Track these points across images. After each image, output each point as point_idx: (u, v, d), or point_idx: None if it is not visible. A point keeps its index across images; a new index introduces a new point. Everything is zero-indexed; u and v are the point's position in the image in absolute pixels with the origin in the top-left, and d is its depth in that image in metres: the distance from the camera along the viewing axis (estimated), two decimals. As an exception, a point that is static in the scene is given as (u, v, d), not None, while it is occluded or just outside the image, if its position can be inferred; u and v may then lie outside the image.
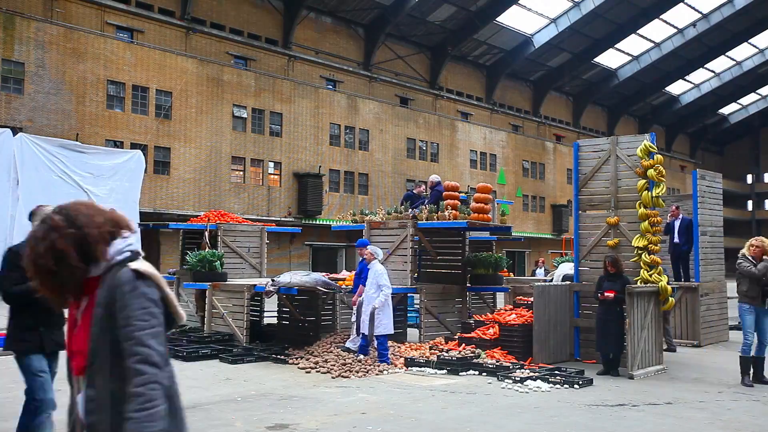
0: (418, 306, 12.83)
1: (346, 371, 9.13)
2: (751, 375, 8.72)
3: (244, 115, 31.09)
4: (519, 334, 10.23)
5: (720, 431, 6.47)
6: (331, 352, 10.28)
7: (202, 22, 32.63)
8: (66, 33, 25.94)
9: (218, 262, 12.33)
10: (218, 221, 13.86)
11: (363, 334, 10.07)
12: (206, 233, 13.33)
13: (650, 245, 10.00)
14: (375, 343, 9.98)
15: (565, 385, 8.35)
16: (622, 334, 9.38)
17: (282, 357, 10.18)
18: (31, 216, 5.48)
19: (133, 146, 27.04)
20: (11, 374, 8.99)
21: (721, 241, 13.99)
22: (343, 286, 11.60)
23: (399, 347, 10.85)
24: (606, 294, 9.41)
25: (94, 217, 2.28)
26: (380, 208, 14.15)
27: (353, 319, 10.68)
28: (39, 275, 2.19)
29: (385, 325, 9.86)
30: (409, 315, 13.25)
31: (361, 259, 10.69)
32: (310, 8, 36.21)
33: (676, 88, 57.05)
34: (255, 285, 11.68)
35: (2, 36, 24.23)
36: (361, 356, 9.91)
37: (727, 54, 52.63)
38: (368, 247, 10.41)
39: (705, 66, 53.58)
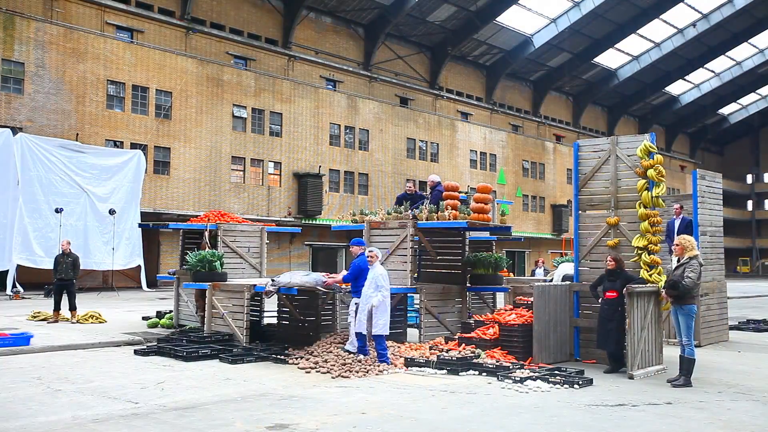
0: (418, 306, 12.82)
1: (346, 371, 9.13)
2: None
3: (244, 115, 31.09)
4: (519, 334, 10.23)
5: (720, 431, 6.47)
6: (331, 352, 10.27)
7: (202, 22, 32.64)
8: (66, 33, 25.94)
9: (218, 262, 12.32)
10: (218, 221, 13.85)
11: (359, 333, 10.06)
12: (206, 233, 13.32)
13: (650, 245, 10.00)
14: (374, 344, 9.98)
15: (565, 385, 8.35)
16: (623, 333, 9.42)
17: (282, 357, 10.17)
18: None
19: (133, 146, 27.05)
20: (11, 374, 8.99)
21: (721, 241, 13.99)
22: (343, 287, 11.60)
23: (399, 347, 10.85)
24: (608, 294, 9.48)
25: None
26: (380, 208, 14.16)
27: (349, 320, 10.69)
28: None
29: (382, 326, 9.87)
30: (409, 315, 13.24)
31: (356, 257, 10.70)
32: (310, 8, 36.23)
33: (676, 88, 57.06)
34: (255, 285, 11.68)
35: (2, 36, 24.23)
36: (361, 356, 9.91)
37: (727, 54, 52.66)
38: (372, 249, 10.43)
39: (705, 66, 53.61)
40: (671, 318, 9.15)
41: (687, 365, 8.67)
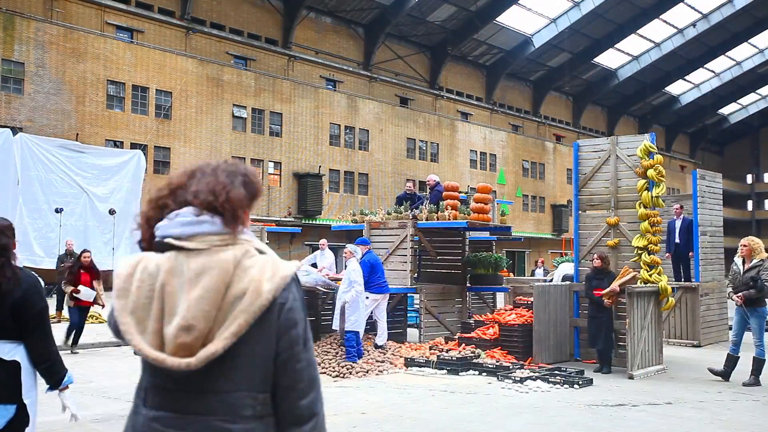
0: (418, 306, 12.83)
1: (346, 371, 9.13)
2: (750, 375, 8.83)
3: (244, 115, 31.09)
4: (519, 334, 10.23)
5: (720, 431, 6.47)
6: (330, 352, 10.27)
7: (202, 22, 32.62)
8: (66, 33, 25.93)
9: (218, 262, 12.30)
10: (218, 221, 13.83)
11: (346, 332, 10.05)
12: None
13: (650, 245, 10.00)
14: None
15: (565, 385, 8.35)
16: (611, 331, 9.47)
17: (282, 357, 10.15)
18: None
19: (133, 146, 27.03)
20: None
21: (721, 241, 14.01)
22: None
23: (399, 347, 10.85)
24: (596, 292, 9.52)
25: None
26: (380, 208, 14.15)
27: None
28: None
29: (353, 321, 9.82)
30: (409, 315, 13.25)
31: (360, 257, 10.68)
32: (310, 8, 36.21)
33: (676, 88, 57.03)
34: (255, 285, 11.65)
35: (2, 36, 24.22)
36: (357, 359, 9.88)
37: (727, 54, 52.61)
38: (348, 246, 10.43)
39: (705, 66, 53.55)
40: (736, 319, 8.84)
41: (758, 365, 8.73)
